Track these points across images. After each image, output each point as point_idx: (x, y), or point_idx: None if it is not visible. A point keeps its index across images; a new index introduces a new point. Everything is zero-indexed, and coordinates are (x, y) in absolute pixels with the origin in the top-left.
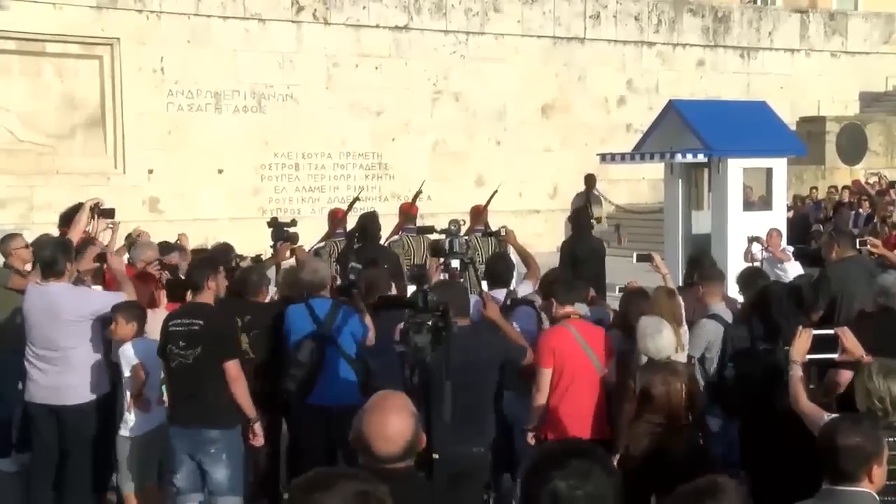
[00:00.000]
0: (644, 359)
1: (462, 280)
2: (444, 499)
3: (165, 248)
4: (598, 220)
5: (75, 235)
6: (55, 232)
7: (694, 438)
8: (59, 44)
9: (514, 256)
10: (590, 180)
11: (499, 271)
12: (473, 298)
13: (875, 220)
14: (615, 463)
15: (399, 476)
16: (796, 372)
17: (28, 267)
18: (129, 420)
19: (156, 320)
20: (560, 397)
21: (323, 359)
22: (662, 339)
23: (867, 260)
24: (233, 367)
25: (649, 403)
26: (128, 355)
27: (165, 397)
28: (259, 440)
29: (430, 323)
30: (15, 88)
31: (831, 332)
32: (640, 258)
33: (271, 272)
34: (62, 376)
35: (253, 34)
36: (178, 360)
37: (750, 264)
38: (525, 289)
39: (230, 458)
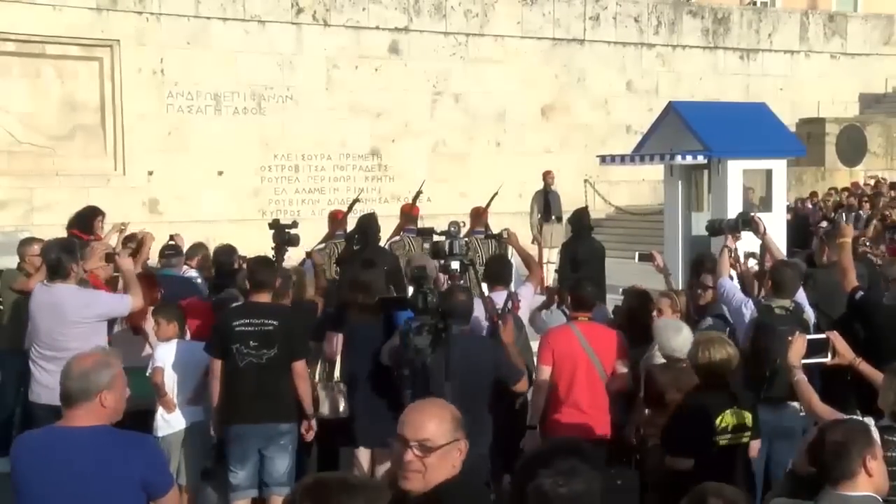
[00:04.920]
0: (658, 358)
1: (462, 282)
2: None
3: (171, 251)
4: (559, 218)
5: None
6: (56, 234)
7: None
8: (59, 45)
9: (515, 259)
10: (547, 177)
11: (498, 272)
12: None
13: (874, 222)
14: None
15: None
16: (800, 377)
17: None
18: (158, 420)
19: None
20: (559, 397)
21: None
22: (680, 339)
23: (860, 266)
24: (301, 366)
25: (664, 410)
26: (155, 357)
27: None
28: (312, 434)
29: (429, 325)
30: (15, 90)
31: (823, 336)
32: (642, 258)
33: None
34: None
35: (253, 36)
36: (247, 359)
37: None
38: (526, 291)
39: (293, 450)
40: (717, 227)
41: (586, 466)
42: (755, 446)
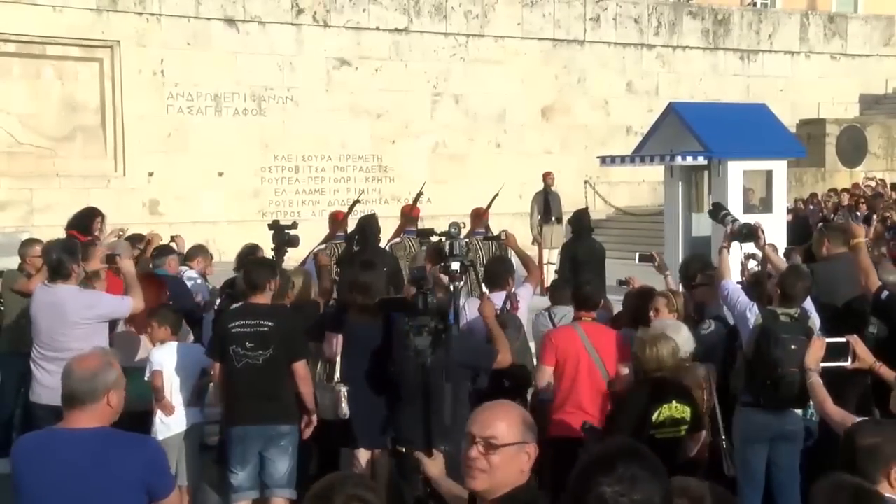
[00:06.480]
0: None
1: (462, 283)
2: None
3: (162, 251)
4: (559, 219)
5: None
6: (56, 235)
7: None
8: (60, 46)
9: (514, 260)
10: (547, 178)
11: (499, 274)
12: (474, 301)
13: (873, 223)
14: None
15: None
16: (815, 379)
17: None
18: (157, 423)
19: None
20: (562, 397)
21: None
22: (680, 339)
23: None
24: (302, 367)
25: None
26: (152, 360)
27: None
28: (310, 430)
29: (430, 325)
30: (15, 91)
31: (843, 340)
32: (643, 258)
33: None
34: None
35: (253, 37)
36: (244, 361)
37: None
38: (525, 292)
39: (294, 451)
40: (720, 218)
41: (647, 473)
42: (698, 438)
